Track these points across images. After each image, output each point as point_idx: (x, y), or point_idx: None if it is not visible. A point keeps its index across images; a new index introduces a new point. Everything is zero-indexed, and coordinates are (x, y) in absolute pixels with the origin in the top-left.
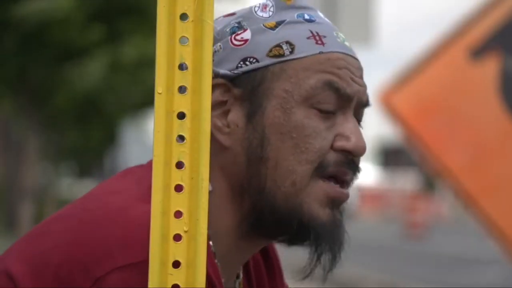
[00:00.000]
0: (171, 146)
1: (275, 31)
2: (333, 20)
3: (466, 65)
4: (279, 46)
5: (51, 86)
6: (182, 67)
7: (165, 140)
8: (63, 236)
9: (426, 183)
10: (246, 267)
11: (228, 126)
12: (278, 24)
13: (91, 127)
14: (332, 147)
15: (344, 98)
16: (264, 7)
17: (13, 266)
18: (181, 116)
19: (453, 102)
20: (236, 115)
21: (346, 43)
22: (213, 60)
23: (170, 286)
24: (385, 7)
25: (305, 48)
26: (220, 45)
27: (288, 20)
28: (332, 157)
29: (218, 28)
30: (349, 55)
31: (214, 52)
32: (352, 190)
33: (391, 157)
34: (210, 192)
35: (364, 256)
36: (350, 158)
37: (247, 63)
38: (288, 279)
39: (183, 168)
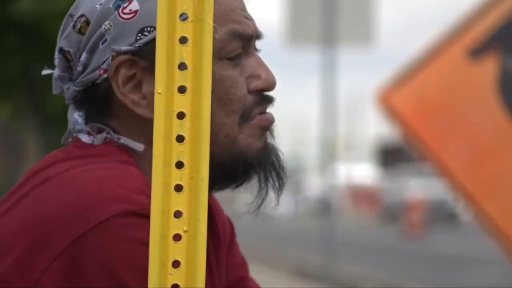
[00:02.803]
0: (170, 146)
1: None
2: (333, 20)
3: (465, 65)
4: None
5: (50, 86)
6: (181, 67)
7: (164, 140)
8: (18, 218)
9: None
10: None
11: (144, 97)
12: None
13: None
14: (247, 91)
15: (247, 40)
16: None
17: None
18: (181, 116)
19: (452, 101)
20: (150, 85)
21: None
22: (106, 40)
23: (170, 286)
24: (385, 7)
25: None
26: (108, 23)
27: None
28: (250, 100)
29: (97, 6)
30: None
31: (105, 31)
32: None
33: (390, 157)
34: (148, 171)
35: (364, 256)
36: (265, 94)
37: (146, 33)
38: (288, 278)
39: (182, 168)
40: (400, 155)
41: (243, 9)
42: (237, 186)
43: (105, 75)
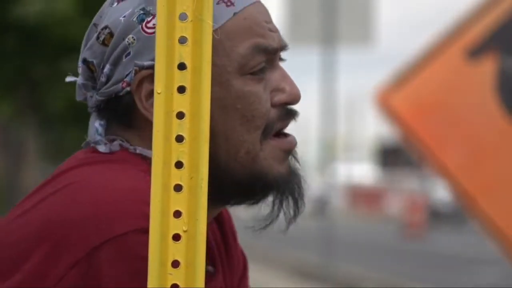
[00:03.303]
0: (170, 146)
1: None
2: (333, 20)
3: (464, 65)
4: None
5: (50, 86)
6: (181, 67)
7: (164, 139)
8: (26, 225)
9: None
10: None
11: None
12: None
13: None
14: (271, 105)
15: (271, 53)
16: None
17: None
18: (180, 116)
19: (451, 101)
20: None
21: None
22: (130, 54)
23: (169, 286)
24: (385, 7)
25: (220, 16)
26: (132, 37)
27: None
28: (274, 114)
29: (121, 19)
30: (254, 2)
31: (128, 45)
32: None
33: (390, 157)
34: None
35: (364, 256)
36: (288, 108)
37: None
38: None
39: (182, 168)
40: (399, 155)
41: (268, 21)
42: (253, 203)
43: (128, 88)
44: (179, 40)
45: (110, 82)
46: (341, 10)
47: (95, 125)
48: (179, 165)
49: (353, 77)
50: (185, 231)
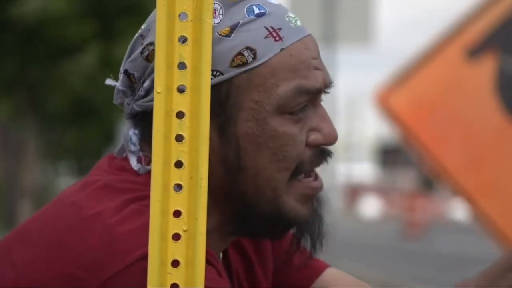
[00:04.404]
0: (170, 146)
1: (231, 37)
2: (332, 20)
3: (463, 65)
4: (240, 54)
5: (48, 85)
6: (181, 66)
7: (164, 139)
8: (43, 249)
9: (425, 183)
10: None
11: None
12: (232, 29)
13: (88, 127)
14: (306, 144)
15: (314, 94)
16: (213, 12)
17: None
18: (180, 115)
19: (450, 101)
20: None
21: (298, 23)
22: None
23: (169, 285)
24: (384, 7)
25: (266, 50)
26: None
27: (241, 22)
28: (307, 154)
29: None
30: (304, 37)
31: None
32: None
33: (389, 157)
34: None
35: (364, 256)
36: (322, 148)
37: (211, 77)
38: None
39: (182, 168)
40: (399, 155)
41: (315, 57)
42: (273, 239)
43: None
44: (179, 39)
45: (149, 97)
46: (341, 10)
47: (130, 133)
48: (179, 164)
49: (353, 77)
50: (185, 231)
